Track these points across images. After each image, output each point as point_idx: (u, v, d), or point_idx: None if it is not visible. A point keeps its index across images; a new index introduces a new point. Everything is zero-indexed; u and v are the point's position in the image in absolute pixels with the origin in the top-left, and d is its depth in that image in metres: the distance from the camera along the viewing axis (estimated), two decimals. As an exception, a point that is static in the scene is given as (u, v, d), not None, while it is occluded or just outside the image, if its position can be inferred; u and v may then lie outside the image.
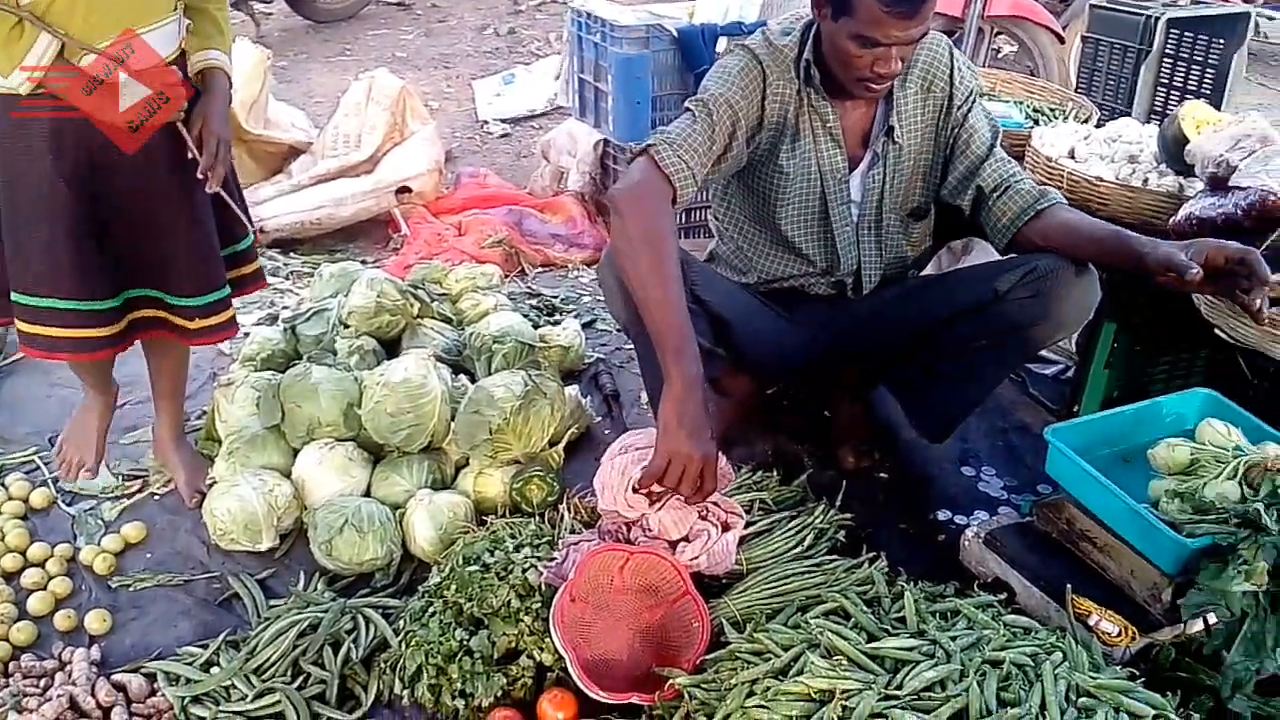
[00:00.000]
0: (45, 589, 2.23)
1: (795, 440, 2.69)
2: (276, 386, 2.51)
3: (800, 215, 2.30)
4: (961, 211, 2.29)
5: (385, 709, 1.96)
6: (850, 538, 2.23)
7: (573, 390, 2.73)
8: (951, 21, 4.45)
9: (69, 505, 2.49)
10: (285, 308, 3.37)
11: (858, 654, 1.66)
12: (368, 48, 7.16)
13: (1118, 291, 2.38)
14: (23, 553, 2.31)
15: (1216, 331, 2.04)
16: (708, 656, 1.82)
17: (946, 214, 2.37)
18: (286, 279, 3.72)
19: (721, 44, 3.84)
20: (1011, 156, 2.30)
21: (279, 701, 1.93)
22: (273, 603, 2.19)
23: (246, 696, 1.94)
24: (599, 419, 2.81)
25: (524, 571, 1.96)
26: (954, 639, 1.69)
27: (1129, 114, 3.52)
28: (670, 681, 1.77)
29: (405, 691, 1.92)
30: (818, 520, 2.22)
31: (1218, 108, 3.11)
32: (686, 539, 2.01)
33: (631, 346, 2.69)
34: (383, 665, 1.99)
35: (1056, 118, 3.02)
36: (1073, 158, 2.59)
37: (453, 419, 2.49)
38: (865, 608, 1.81)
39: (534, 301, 3.52)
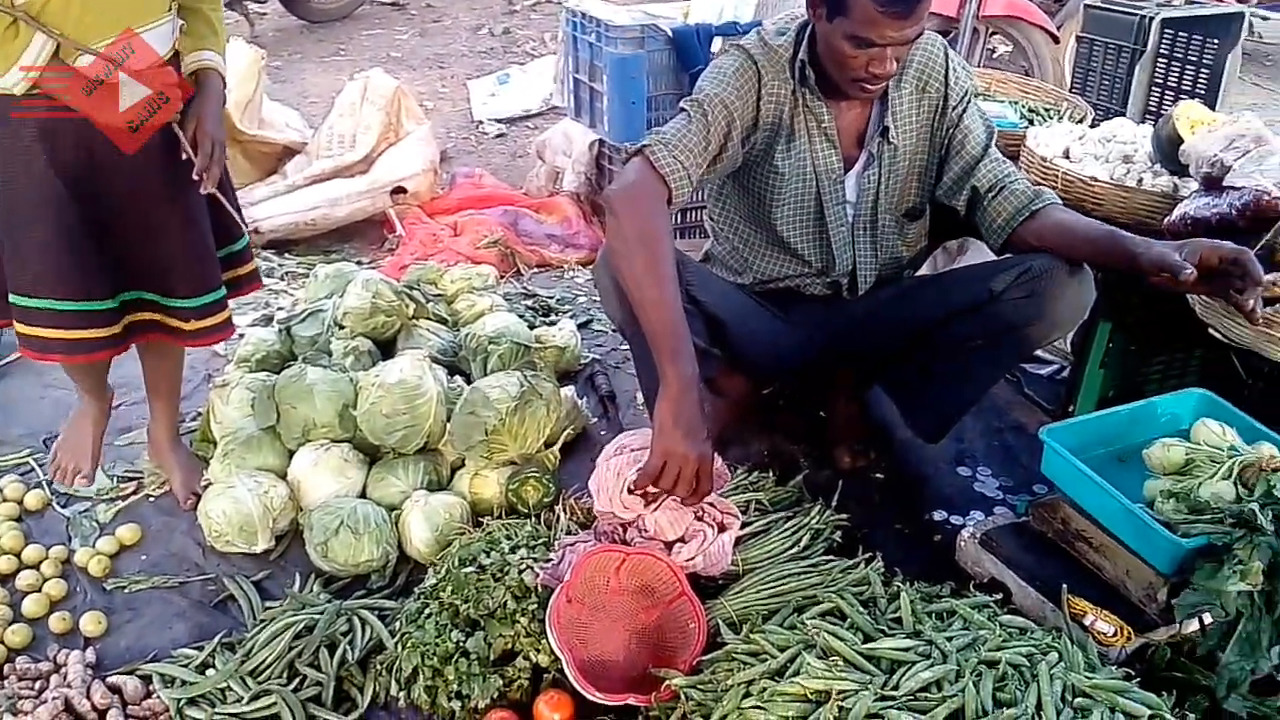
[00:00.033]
0: (40, 591, 2.22)
1: (791, 440, 2.69)
2: (271, 388, 2.51)
3: (795, 216, 2.31)
4: (957, 212, 2.30)
5: (381, 711, 1.96)
6: (846, 538, 2.23)
7: (569, 391, 2.73)
8: (946, 21, 4.45)
9: (64, 507, 2.48)
10: (280, 309, 3.37)
11: (854, 654, 1.66)
12: (362, 48, 7.15)
13: (1113, 291, 2.38)
14: (17, 555, 2.31)
15: (1211, 331, 2.05)
16: (704, 657, 1.82)
17: (942, 214, 2.37)
18: (281, 280, 3.71)
19: (716, 44, 3.84)
20: (1006, 156, 2.30)
21: (275, 703, 1.92)
22: (268, 604, 2.19)
23: (242, 698, 1.94)
24: (595, 420, 2.81)
25: (520, 573, 1.96)
26: (950, 639, 1.69)
27: (1124, 114, 3.53)
28: (666, 682, 1.77)
29: (401, 693, 1.92)
30: (814, 521, 2.22)
31: (1212, 108, 3.12)
32: (683, 540, 2.01)
33: (627, 347, 2.69)
34: (379, 667, 1.99)
35: (1051, 118, 3.02)
36: (1067, 158, 2.59)
37: (448, 420, 2.49)
38: (861, 608, 1.81)
39: (529, 302, 3.52)
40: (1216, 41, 3.51)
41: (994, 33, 5.17)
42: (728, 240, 2.45)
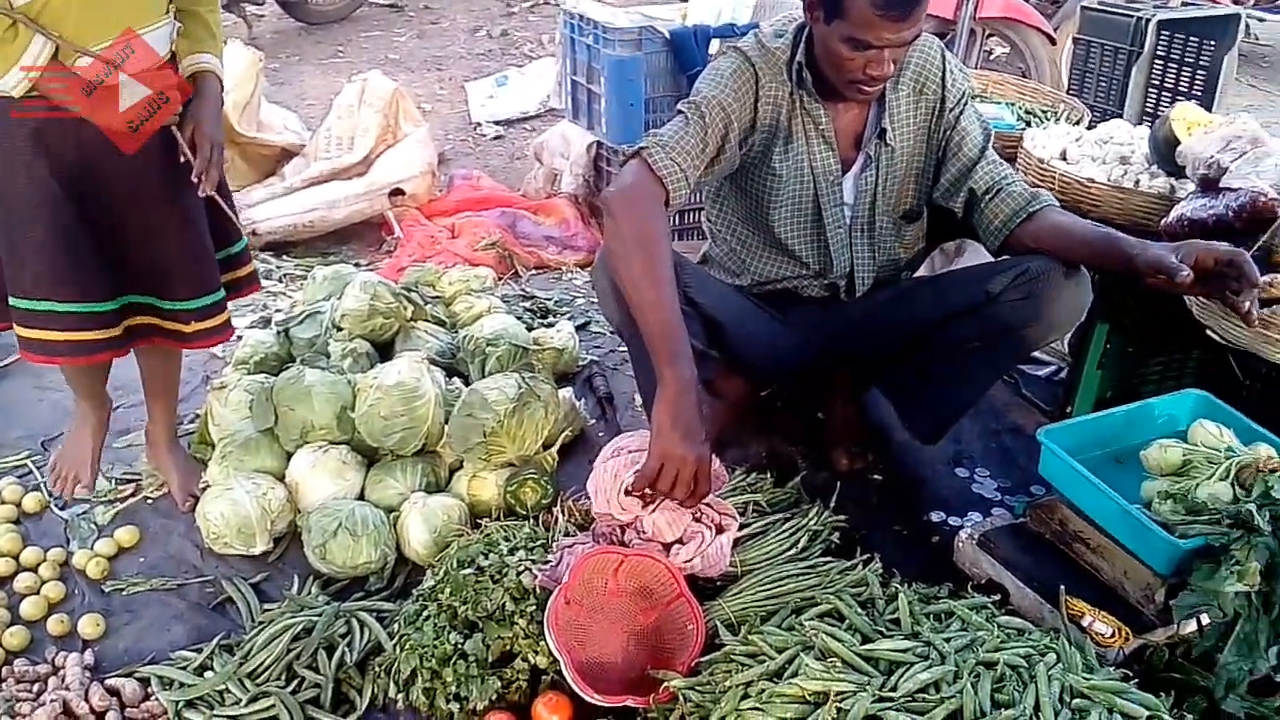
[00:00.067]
0: (38, 594, 2.22)
1: (789, 442, 2.69)
2: (270, 390, 2.50)
3: (793, 217, 2.31)
4: (954, 214, 2.30)
5: (380, 713, 1.96)
6: (844, 539, 2.23)
7: (566, 393, 2.73)
8: (943, 23, 4.46)
9: (62, 509, 2.48)
10: (278, 310, 3.37)
11: (852, 656, 1.66)
12: (360, 50, 7.15)
13: (1110, 293, 2.39)
14: (15, 557, 2.31)
15: (1208, 333, 2.05)
16: (702, 659, 1.82)
17: (939, 216, 2.37)
18: (279, 282, 3.71)
19: (714, 46, 3.84)
20: (1003, 158, 2.31)
21: (273, 706, 1.92)
22: (266, 606, 2.19)
23: (240, 701, 1.94)
24: (593, 421, 2.81)
25: (518, 574, 1.96)
26: (948, 640, 1.69)
27: (1120, 115, 3.53)
28: (665, 684, 1.77)
29: (400, 695, 1.92)
30: (812, 522, 2.23)
31: (1209, 109, 3.12)
32: (681, 541, 2.01)
33: (625, 349, 2.69)
34: (377, 669, 1.99)
35: (1048, 119, 3.03)
36: (1064, 159, 2.60)
37: (446, 422, 2.49)
38: (859, 609, 1.81)
39: (527, 304, 3.52)
40: (1213, 43, 3.52)
41: (991, 34, 5.17)
42: (725, 242, 2.45)
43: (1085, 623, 1.83)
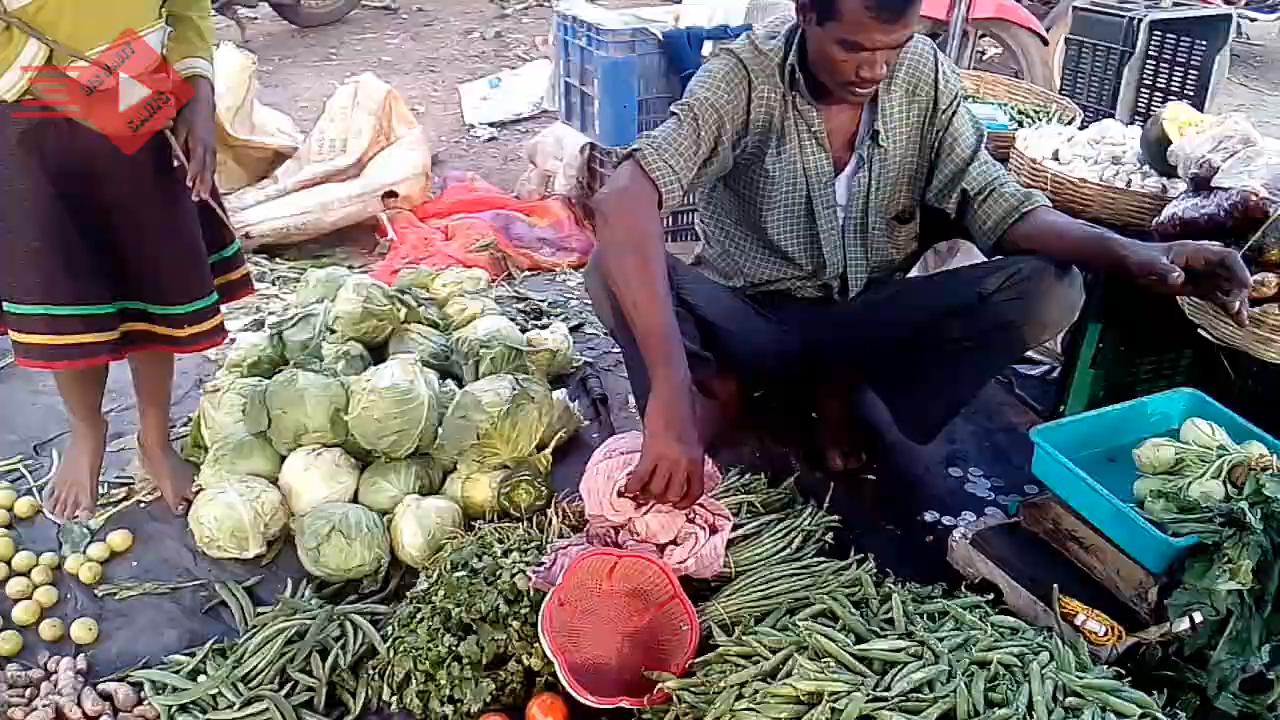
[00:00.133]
0: (30, 598, 2.21)
1: (783, 443, 2.69)
2: (263, 392, 2.50)
3: (786, 219, 2.31)
4: (947, 214, 2.30)
5: (374, 716, 1.96)
6: (838, 540, 2.23)
7: (560, 394, 2.73)
8: (936, 24, 4.47)
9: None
10: (271, 313, 3.36)
11: (846, 656, 1.66)
12: (353, 52, 7.14)
13: (1102, 292, 2.39)
14: (8, 562, 2.30)
15: (1200, 331, 2.06)
16: (696, 660, 1.82)
17: (933, 216, 2.38)
18: (273, 284, 3.70)
19: (707, 47, 3.84)
20: (996, 158, 2.31)
21: (267, 709, 1.92)
22: (260, 610, 2.18)
23: (234, 705, 1.93)
24: (587, 422, 2.81)
25: (512, 576, 1.96)
26: (942, 640, 1.69)
27: (1112, 115, 3.55)
28: (659, 685, 1.77)
29: (394, 698, 1.91)
30: (806, 522, 2.23)
31: (1201, 109, 3.14)
32: (674, 542, 2.01)
33: (619, 350, 2.69)
34: (371, 672, 1.99)
35: (1040, 119, 3.03)
36: (1056, 159, 2.60)
37: (440, 424, 2.49)
38: (853, 609, 1.81)
39: (521, 305, 3.51)
40: (1204, 43, 3.53)
41: (983, 35, 5.18)
42: (719, 243, 2.45)
43: (1079, 621, 1.83)
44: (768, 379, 2.69)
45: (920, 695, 1.57)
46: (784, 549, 2.13)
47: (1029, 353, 2.73)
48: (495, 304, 3.24)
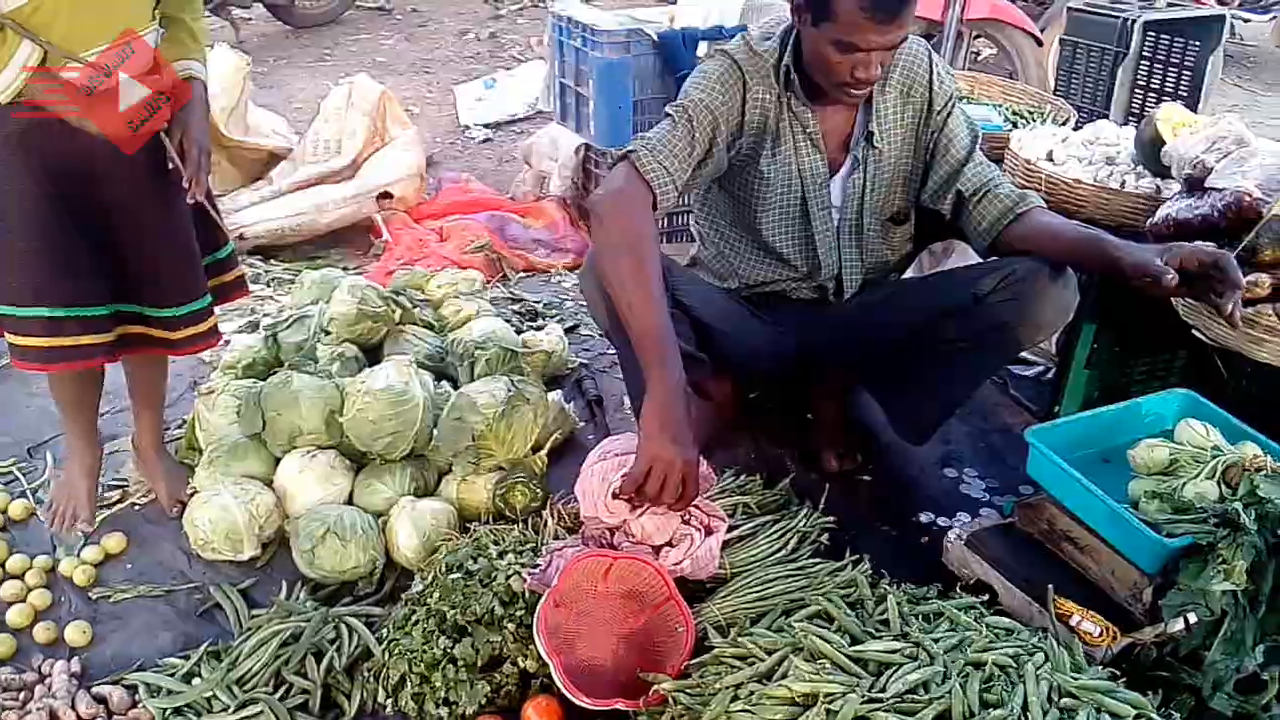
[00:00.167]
0: (24, 601, 2.21)
1: (778, 444, 2.69)
2: (258, 394, 2.50)
3: (781, 220, 2.31)
4: (942, 215, 2.31)
5: (369, 718, 1.96)
6: (833, 541, 2.24)
7: (556, 395, 2.73)
8: (930, 25, 4.47)
9: (43, 505, 2.46)
10: (266, 315, 3.36)
11: (841, 657, 1.66)
12: (348, 53, 7.14)
13: (1097, 293, 2.39)
14: (1, 564, 2.29)
15: (1194, 332, 2.06)
16: (692, 661, 1.82)
17: (928, 217, 2.38)
18: (267, 286, 3.70)
19: (702, 48, 3.85)
20: (990, 159, 2.32)
21: (261, 712, 1.91)
22: (255, 613, 2.18)
23: (229, 707, 1.93)
24: (582, 424, 2.81)
25: (507, 578, 1.95)
26: (937, 641, 1.69)
27: (1106, 116, 3.55)
28: (655, 687, 1.77)
29: (389, 700, 1.91)
30: (801, 524, 2.23)
31: (1194, 109, 3.14)
32: (670, 544, 2.00)
33: (614, 351, 2.69)
34: (366, 674, 1.98)
35: (1035, 120, 3.04)
36: (1051, 160, 2.61)
37: (435, 426, 2.48)
38: (848, 611, 1.81)
39: (516, 307, 3.51)
40: (1198, 44, 3.53)
41: (978, 36, 5.19)
42: (714, 245, 2.45)
43: (1073, 622, 1.83)
44: (763, 380, 2.69)
45: (915, 696, 1.57)
46: (779, 550, 2.13)
47: (1024, 353, 2.74)
48: (490, 305, 3.24)
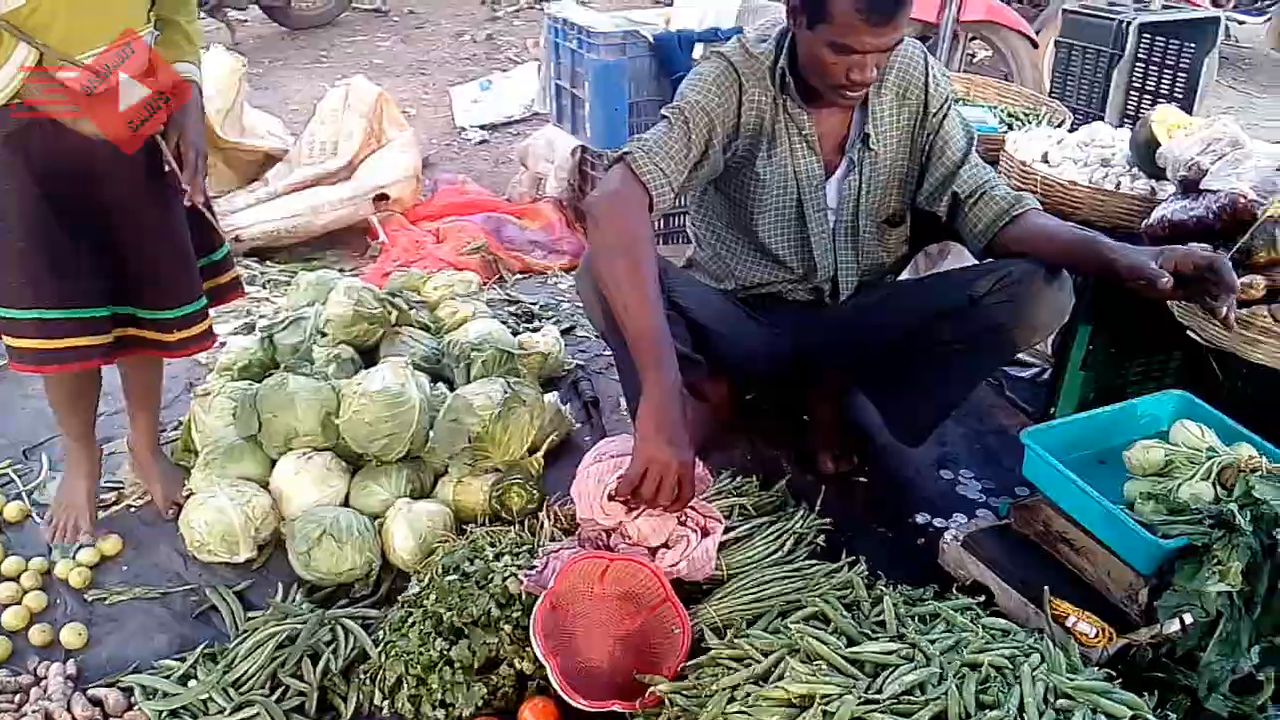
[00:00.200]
0: (20, 604, 2.20)
1: (774, 445, 2.69)
2: (254, 396, 2.49)
3: (777, 222, 2.31)
4: (938, 217, 2.31)
5: (365, 720, 1.96)
6: (830, 542, 2.23)
7: (552, 397, 2.73)
8: (926, 26, 4.48)
9: (43, 519, 2.46)
10: (262, 316, 3.35)
11: (838, 658, 1.66)
12: (344, 54, 7.14)
13: (1092, 294, 2.40)
14: (-4, 567, 2.29)
15: (1189, 333, 2.07)
16: (689, 663, 1.82)
17: (923, 219, 2.38)
18: (263, 288, 3.70)
19: (698, 50, 3.85)
20: (986, 161, 2.32)
21: (257, 714, 1.91)
22: (251, 615, 2.17)
23: (225, 710, 1.92)
24: (579, 426, 2.81)
25: (504, 580, 1.95)
26: (933, 642, 1.69)
27: (1102, 118, 3.57)
28: (651, 688, 1.77)
29: (385, 702, 1.91)
30: (797, 525, 2.23)
31: (1189, 111, 3.15)
32: (666, 545, 2.00)
33: (611, 353, 2.69)
34: (362, 676, 1.98)
35: (1030, 122, 3.04)
36: (1046, 162, 2.61)
37: (431, 427, 2.48)
38: (845, 612, 1.81)
39: (513, 308, 3.51)
40: (1193, 46, 3.55)
41: (973, 38, 5.20)
42: (710, 246, 2.45)
43: (1069, 623, 1.83)
44: (759, 382, 2.69)
45: (912, 697, 1.58)
46: (776, 552, 2.14)
47: (1020, 355, 2.74)
48: (487, 307, 3.23)
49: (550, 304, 3.61)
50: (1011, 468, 2.56)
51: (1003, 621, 1.83)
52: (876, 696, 1.58)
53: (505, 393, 2.47)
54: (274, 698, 1.95)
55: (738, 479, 2.41)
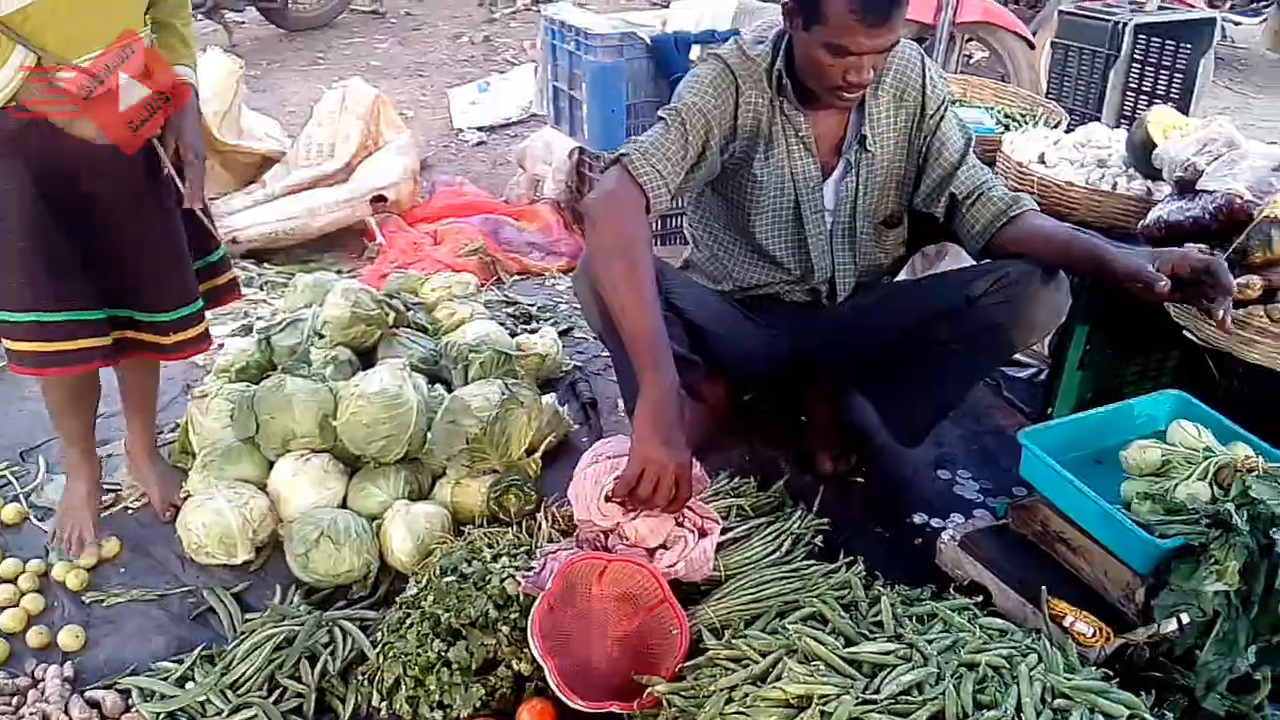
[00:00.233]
0: (17, 605, 2.20)
1: (772, 446, 2.69)
2: (251, 398, 2.49)
3: (774, 223, 2.32)
4: (936, 218, 2.31)
5: (363, 722, 1.96)
6: (827, 543, 2.24)
7: (550, 398, 2.73)
8: (922, 28, 4.49)
9: (41, 521, 2.46)
10: (260, 318, 3.35)
11: (835, 659, 1.66)
12: (341, 56, 7.13)
13: (1089, 295, 2.40)
14: (-6, 569, 2.29)
15: (1185, 333, 2.07)
16: (686, 664, 1.82)
17: (921, 220, 2.39)
18: (260, 289, 3.70)
19: (695, 52, 3.85)
20: (982, 162, 2.32)
21: (255, 716, 1.91)
22: (248, 616, 2.17)
23: (222, 712, 1.92)
24: (576, 427, 2.81)
25: (502, 581, 1.95)
26: (931, 642, 1.69)
27: (1098, 119, 3.57)
28: (649, 689, 1.77)
29: (383, 704, 1.91)
30: (795, 525, 2.23)
31: (1186, 112, 3.16)
32: (664, 546, 2.01)
33: (608, 354, 2.69)
34: (360, 678, 1.98)
35: (1027, 123, 3.05)
36: (1043, 163, 2.62)
37: (429, 429, 2.48)
38: (842, 612, 1.81)
39: (510, 310, 3.51)
40: (1189, 47, 3.55)
41: (970, 39, 5.21)
42: (707, 247, 2.45)
43: (1067, 623, 1.84)
44: (757, 383, 2.69)
45: (909, 698, 1.58)
46: (773, 552, 2.14)
47: (1017, 355, 2.74)
48: (484, 308, 3.23)
49: (548, 305, 3.61)
50: (1009, 468, 2.56)
51: (1000, 621, 1.83)
52: (874, 697, 1.58)
53: (503, 394, 2.47)
54: (272, 699, 1.95)
55: (735, 480, 2.42)
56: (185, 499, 2.42)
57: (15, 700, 1.98)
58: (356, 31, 7.73)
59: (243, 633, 2.11)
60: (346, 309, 2.81)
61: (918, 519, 2.48)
